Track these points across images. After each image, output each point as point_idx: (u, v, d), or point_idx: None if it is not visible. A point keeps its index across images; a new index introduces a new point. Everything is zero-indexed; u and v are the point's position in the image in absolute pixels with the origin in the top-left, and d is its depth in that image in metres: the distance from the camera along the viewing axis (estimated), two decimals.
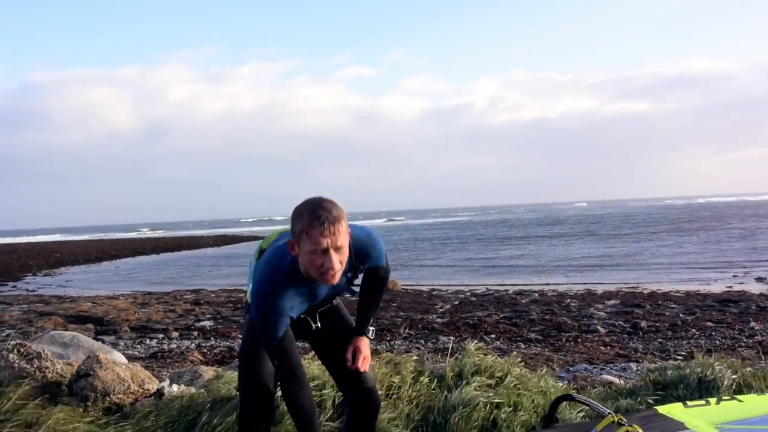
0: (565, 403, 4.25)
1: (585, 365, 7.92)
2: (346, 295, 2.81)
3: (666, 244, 29.45)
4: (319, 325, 2.73)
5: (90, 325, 12.73)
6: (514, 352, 8.16)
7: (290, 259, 2.38)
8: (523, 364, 4.96)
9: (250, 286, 2.62)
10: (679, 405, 2.17)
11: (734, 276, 17.47)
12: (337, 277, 2.32)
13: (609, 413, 1.97)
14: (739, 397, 2.34)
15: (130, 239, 68.70)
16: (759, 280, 16.54)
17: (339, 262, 2.27)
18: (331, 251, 2.23)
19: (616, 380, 5.96)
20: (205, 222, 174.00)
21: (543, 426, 2.45)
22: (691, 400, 2.27)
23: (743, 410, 2.17)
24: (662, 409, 2.05)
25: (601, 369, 7.61)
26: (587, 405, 2.22)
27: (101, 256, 41.08)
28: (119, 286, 22.54)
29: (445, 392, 4.16)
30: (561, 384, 5.43)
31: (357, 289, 2.76)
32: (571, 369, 7.62)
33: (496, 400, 4.04)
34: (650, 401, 4.09)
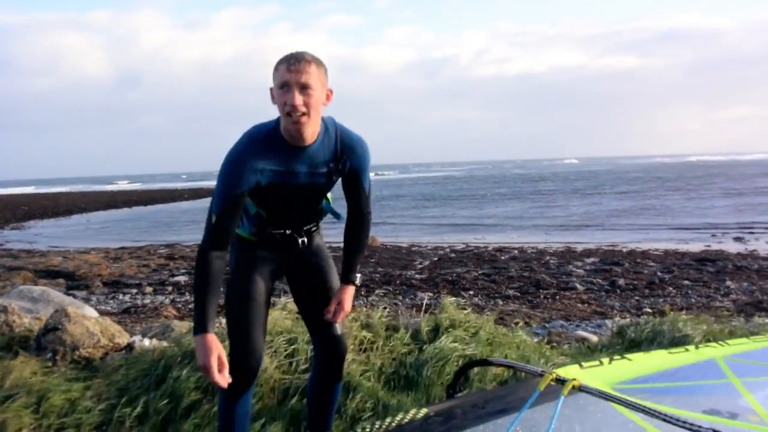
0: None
1: (561, 322, 8.00)
2: (329, 215, 2.76)
3: (649, 203, 29.63)
4: (305, 239, 2.69)
5: (61, 280, 12.66)
6: (491, 309, 8.23)
7: (275, 123, 2.41)
8: (498, 319, 4.98)
9: None
10: (575, 366, 2.19)
11: (713, 235, 17.64)
12: (304, 123, 2.30)
13: (543, 372, 1.94)
14: (628, 355, 2.40)
15: (101, 192, 67.30)
16: (737, 239, 16.72)
17: (303, 104, 2.27)
18: (294, 88, 2.26)
19: (590, 336, 6.01)
20: (183, 174, 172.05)
21: (447, 396, 2.38)
22: (586, 360, 2.28)
23: (634, 369, 2.23)
24: (559, 371, 2.06)
25: (577, 326, 7.67)
26: (512, 367, 2.16)
27: (71, 209, 40.28)
28: (90, 241, 22.07)
29: (419, 346, 4.17)
30: (536, 339, 5.47)
31: (340, 212, 2.72)
32: (547, 325, 7.69)
33: (468, 352, 4.06)
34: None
